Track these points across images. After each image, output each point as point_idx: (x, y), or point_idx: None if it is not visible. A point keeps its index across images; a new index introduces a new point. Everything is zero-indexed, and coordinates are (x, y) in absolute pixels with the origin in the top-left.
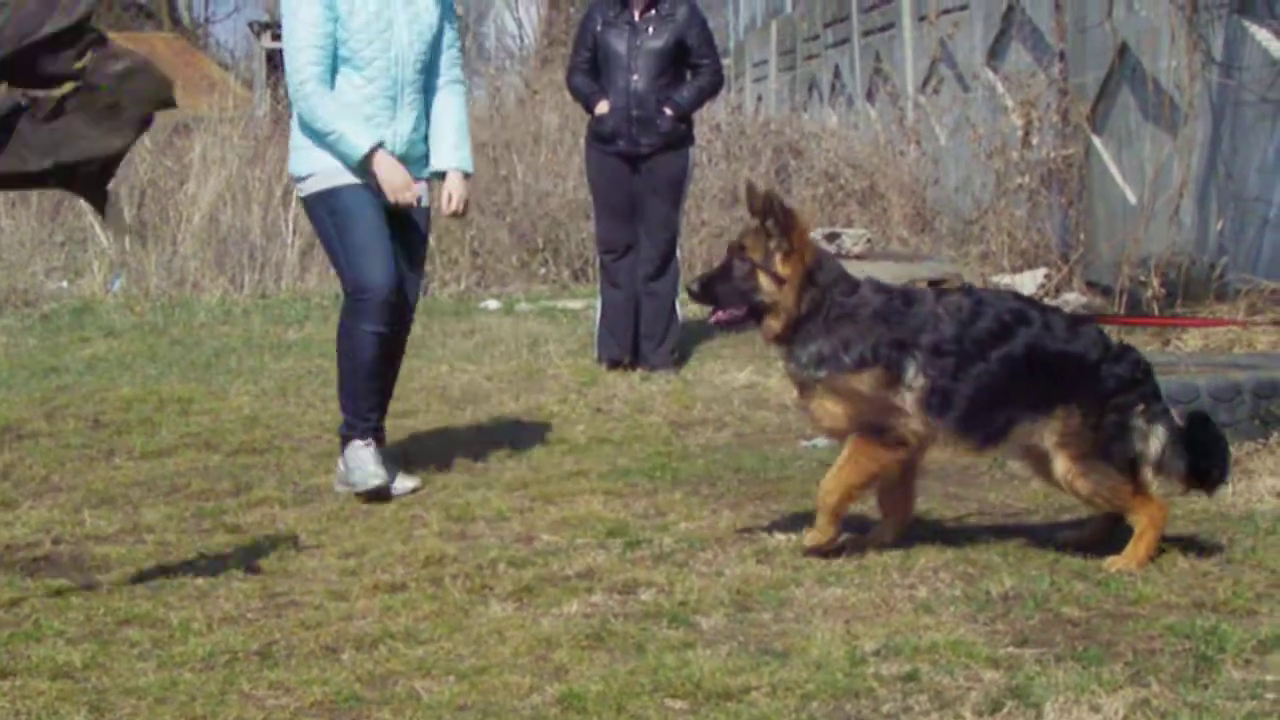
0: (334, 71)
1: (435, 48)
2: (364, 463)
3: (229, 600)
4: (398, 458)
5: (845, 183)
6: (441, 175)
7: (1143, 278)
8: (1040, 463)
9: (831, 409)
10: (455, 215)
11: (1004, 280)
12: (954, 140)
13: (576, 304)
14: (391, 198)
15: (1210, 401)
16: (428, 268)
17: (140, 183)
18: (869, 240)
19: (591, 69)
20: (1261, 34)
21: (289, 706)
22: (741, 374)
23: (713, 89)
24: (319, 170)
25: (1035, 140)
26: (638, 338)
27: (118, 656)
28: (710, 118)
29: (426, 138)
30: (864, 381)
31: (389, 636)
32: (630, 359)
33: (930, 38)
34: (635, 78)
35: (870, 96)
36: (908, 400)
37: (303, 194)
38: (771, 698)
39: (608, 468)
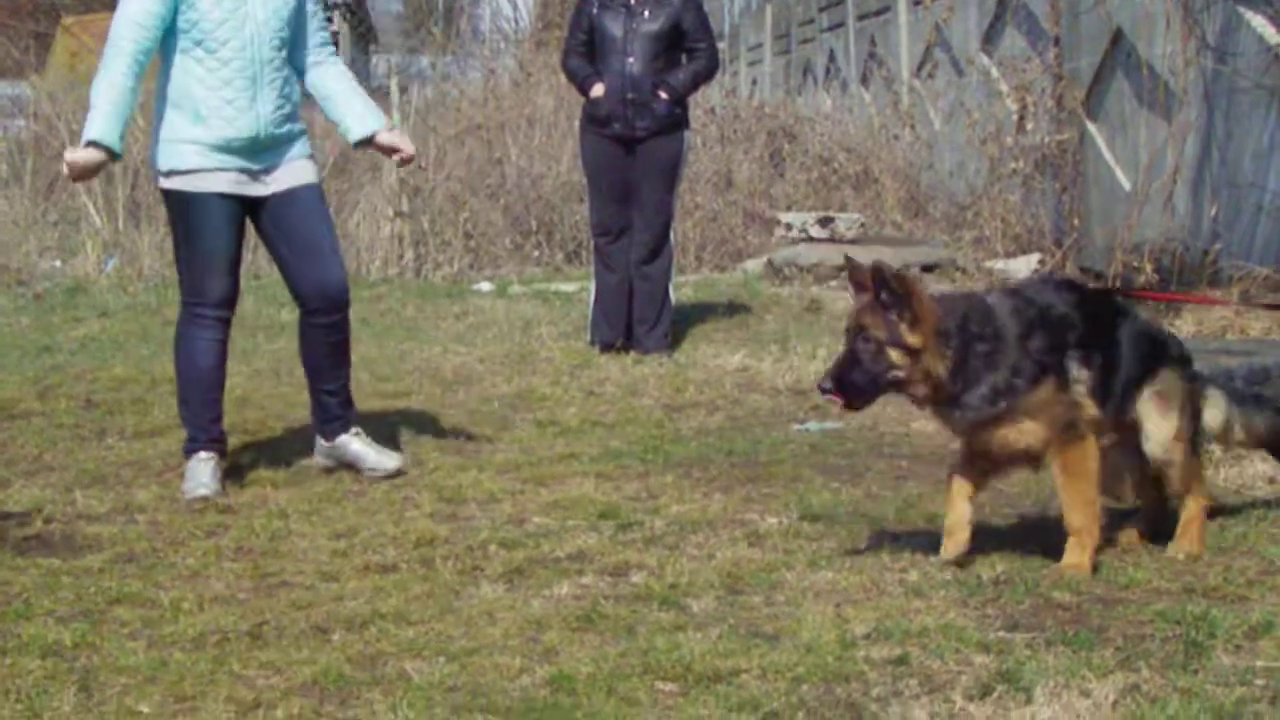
0: (175, 56)
1: (293, 24)
2: (198, 475)
3: (220, 580)
4: (389, 437)
5: (839, 167)
6: (370, 140)
7: (1136, 263)
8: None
9: (1029, 429)
10: (408, 160)
11: (997, 265)
12: (949, 125)
13: (570, 287)
14: (65, 167)
15: None
16: (420, 249)
17: (134, 163)
18: (863, 224)
19: (587, 51)
20: (1256, 20)
21: (279, 686)
22: (734, 357)
23: (708, 73)
24: (177, 169)
25: (1030, 125)
26: (631, 321)
27: (108, 636)
28: (705, 101)
29: (292, 117)
30: (1046, 391)
31: (379, 617)
32: (623, 342)
33: (925, 22)
34: (631, 61)
35: (865, 81)
36: (1080, 393)
37: (160, 186)
38: (761, 680)
39: (600, 450)
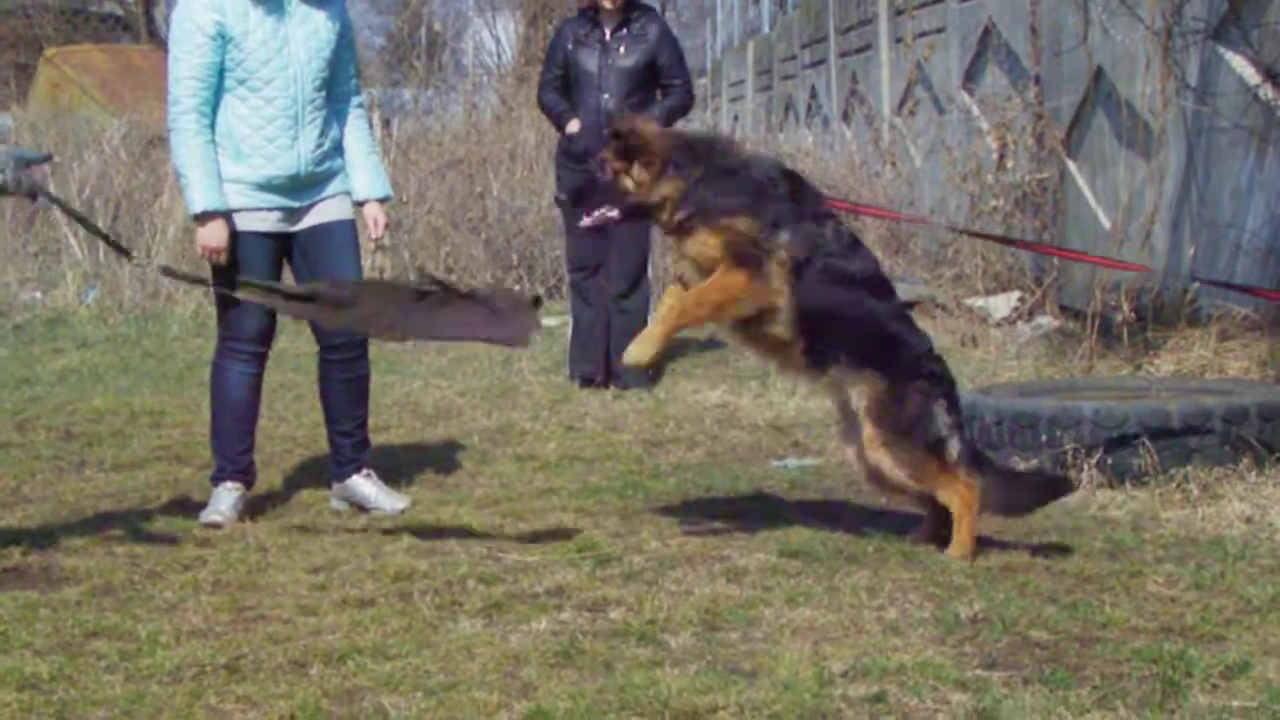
0: (218, 96)
1: (333, 65)
2: (218, 502)
3: (197, 613)
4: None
5: None
6: (360, 203)
7: (1114, 302)
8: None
9: (705, 240)
10: (374, 239)
11: (977, 303)
12: (929, 162)
13: (551, 321)
14: (200, 252)
15: (1181, 426)
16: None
17: (115, 195)
18: None
19: (562, 86)
20: (1236, 60)
21: None
22: (714, 393)
23: (683, 109)
24: None
25: (1010, 163)
26: (610, 356)
27: (85, 668)
28: None
29: (331, 155)
30: (737, 223)
31: (357, 652)
32: (603, 377)
33: (907, 60)
34: (606, 97)
35: (846, 117)
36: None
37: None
38: (739, 717)
39: (579, 485)
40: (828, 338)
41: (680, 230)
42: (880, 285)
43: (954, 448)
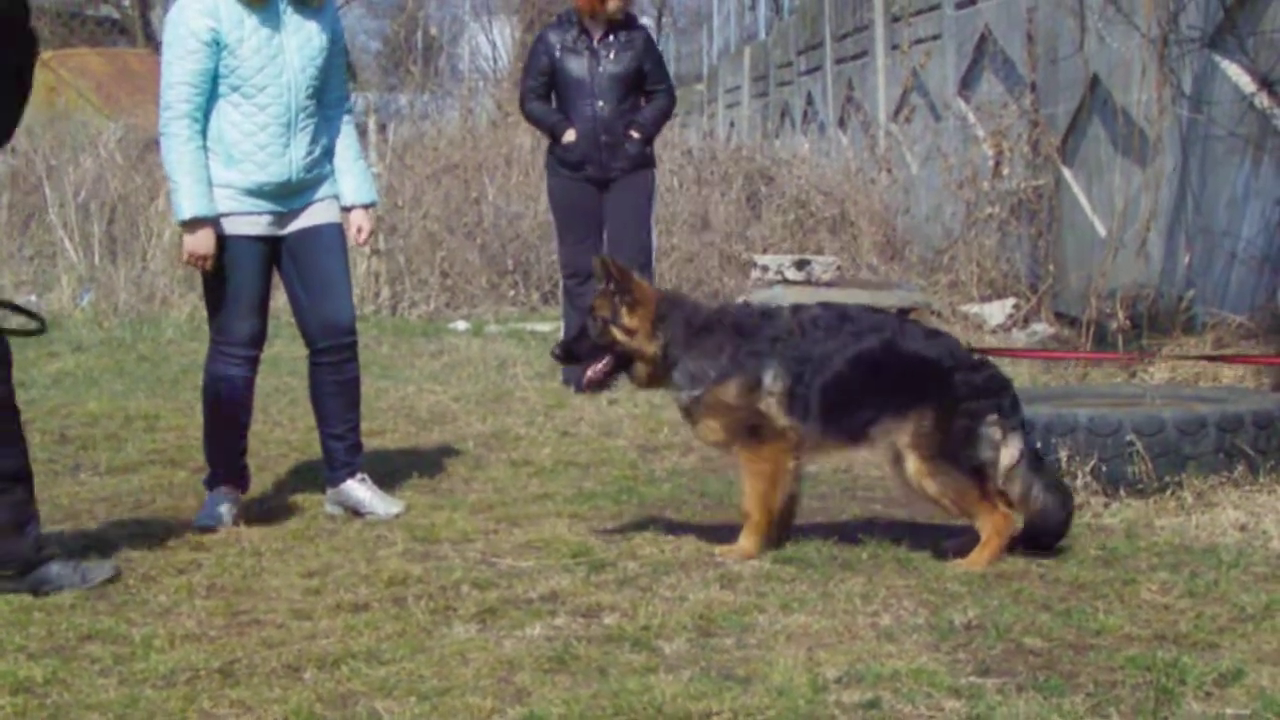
0: (211, 102)
1: (325, 73)
2: (212, 507)
3: (191, 618)
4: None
5: (816, 210)
6: (347, 209)
7: (1110, 309)
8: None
9: (710, 423)
10: (360, 243)
11: (972, 310)
12: (925, 169)
13: (545, 327)
14: (186, 258)
15: (1175, 434)
16: (397, 288)
17: (111, 199)
18: (839, 268)
19: (546, 94)
20: (1232, 68)
21: None
22: None
23: (670, 109)
24: None
25: (1006, 170)
26: None
27: (79, 672)
28: (682, 143)
29: (321, 161)
30: (729, 392)
31: (351, 656)
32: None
33: (903, 66)
34: (601, 104)
35: (842, 124)
36: (770, 404)
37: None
38: None
39: (573, 491)
40: (860, 411)
41: (690, 418)
42: (892, 329)
43: (1004, 459)
